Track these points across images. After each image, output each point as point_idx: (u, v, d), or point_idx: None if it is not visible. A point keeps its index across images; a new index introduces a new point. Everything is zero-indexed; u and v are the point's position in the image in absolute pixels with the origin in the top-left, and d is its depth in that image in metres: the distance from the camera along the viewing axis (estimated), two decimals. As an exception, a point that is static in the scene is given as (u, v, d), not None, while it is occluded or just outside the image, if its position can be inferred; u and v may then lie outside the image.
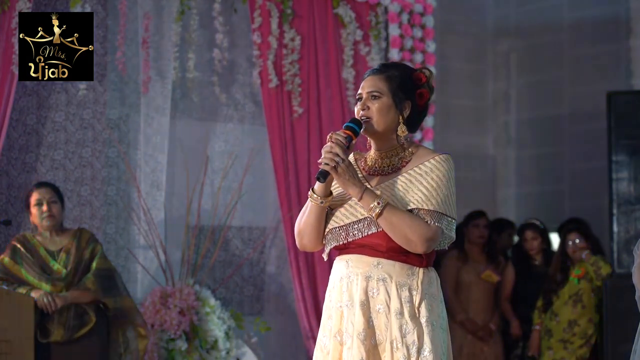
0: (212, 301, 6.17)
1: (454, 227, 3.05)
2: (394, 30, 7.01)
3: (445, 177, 3.00)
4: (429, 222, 2.96)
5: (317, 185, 3.04)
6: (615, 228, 6.45)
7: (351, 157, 3.17)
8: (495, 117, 8.51)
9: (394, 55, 7.00)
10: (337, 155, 2.96)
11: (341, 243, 3.07)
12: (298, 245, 3.18)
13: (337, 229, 3.07)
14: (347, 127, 3.03)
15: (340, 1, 6.79)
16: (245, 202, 6.64)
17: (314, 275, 6.62)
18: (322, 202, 3.04)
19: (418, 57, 7.11)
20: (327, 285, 6.97)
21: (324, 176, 2.98)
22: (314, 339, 6.50)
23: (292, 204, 6.56)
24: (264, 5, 6.56)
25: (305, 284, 6.55)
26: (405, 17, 7.07)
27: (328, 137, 3.02)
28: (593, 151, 7.67)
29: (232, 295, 6.67)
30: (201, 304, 6.11)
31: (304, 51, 6.69)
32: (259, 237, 6.77)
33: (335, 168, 2.96)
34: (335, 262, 3.15)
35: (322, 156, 2.99)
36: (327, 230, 3.09)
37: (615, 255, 6.43)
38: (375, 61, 6.87)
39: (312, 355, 3.16)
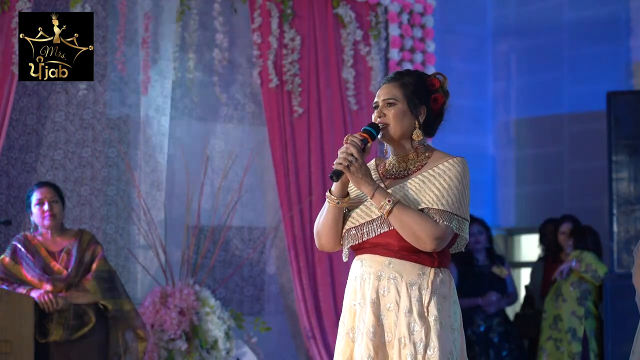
0: (212, 301, 6.17)
1: (467, 228, 3.10)
2: (394, 30, 7.01)
3: (457, 178, 3.06)
4: (438, 221, 3.01)
5: (334, 186, 3.12)
6: (615, 228, 6.45)
7: (373, 162, 3.27)
8: (495, 117, 8.51)
9: (394, 55, 7.00)
10: (351, 155, 3.03)
11: (356, 243, 3.14)
12: (317, 246, 3.25)
13: (353, 229, 3.14)
14: (364, 130, 3.11)
15: (340, 1, 6.79)
16: (245, 202, 6.64)
17: (314, 275, 6.62)
18: (338, 203, 3.12)
19: (418, 57, 7.12)
20: (327, 286, 7.00)
21: (337, 175, 3.05)
22: (314, 339, 6.52)
23: (292, 204, 6.56)
24: (264, 5, 6.56)
25: (305, 284, 6.55)
26: (405, 17, 7.08)
27: (344, 139, 3.09)
28: (593, 151, 7.67)
29: (232, 295, 6.67)
30: (201, 304, 6.11)
31: (304, 51, 6.69)
32: (259, 237, 6.77)
33: (348, 167, 3.03)
34: (352, 262, 3.22)
35: (338, 157, 3.06)
36: (344, 231, 3.16)
37: (615, 255, 6.43)
38: (375, 61, 6.87)
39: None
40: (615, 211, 6.47)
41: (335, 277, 6.67)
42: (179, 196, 6.43)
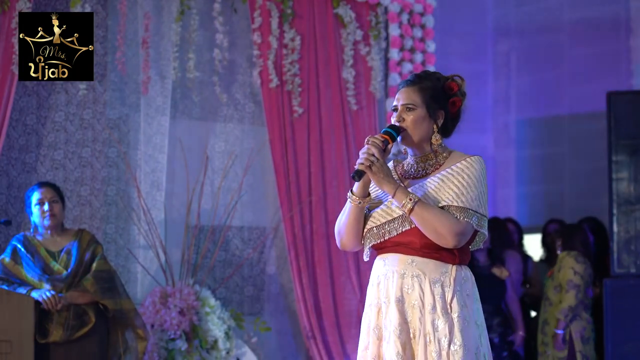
0: (212, 301, 6.17)
1: (486, 225, 3.17)
2: (394, 30, 7.01)
3: (475, 176, 3.14)
4: (458, 217, 3.08)
5: (355, 186, 3.18)
6: (615, 228, 6.44)
7: (391, 163, 3.32)
8: (495, 117, 8.51)
9: (394, 55, 7.00)
10: (373, 155, 3.10)
11: (378, 242, 3.20)
12: (338, 245, 3.30)
13: (374, 228, 3.20)
14: (385, 132, 3.17)
15: (340, 1, 6.79)
16: (245, 202, 6.64)
17: (314, 275, 6.62)
18: (360, 203, 3.18)
19: (418, 57, 7.12)
20: (327, 286, 6.98)
21: (359, 175, 3.11)
22: (314, 339, 6.51)
23: (292, 204, 6.56)
24: (264, 5, 6.56)
25: (305, 284, 6.55)
26: (405, 17, 7.08)
27: (365, 140, 3.15)
28: (593, 151, 7.67)
29: (232, 295, 6.67)
30: (201, 304, 6.11)
31: (304, 51, 6.69)
32: (259, 237, 6.77)
33: (370, 167, 3.09)
34: (375, 261, 3.27)
35: (359, 157, 3.12)
36: (365, 230, 3.22)
37: (615, 255, 6.42)
38: (375, 61, 6.87)
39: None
40: (615, 211, 6.46)
41: (335, 277, 6.67)
42: (179, 196, 6.43)
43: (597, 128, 7.33)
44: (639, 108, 6.47)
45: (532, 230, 8.01)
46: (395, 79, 6.99)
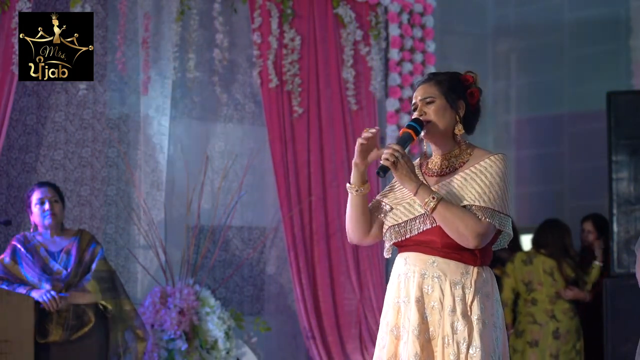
0: (212, 301, 6.17)
1: (509, 224, 3.14)
2: (394, 30, 7.01)
3: (499, 175, 3.11)
4: (480, 217, 3.06)
5: (352, 175, 3.17)
6: (615, 228, 6.45)
7: (416, 162, 3.30)
8: (495, 117, 8.51)
9: (394, 55, 7.00)
10: (397, 150, 3.06)
11: (399, 240, 3.18)
12: (348, 239, 3.30)
13: (396, 226, 3.18)
14: (409, 126, 3.14)
15: (340, 1, 6.79)
16: (245, 202, 6.64)
17: (314, 275, 6.62)
18: (357, 191, 3.17)
19: (418, 57, 7.12)
20: (327, 286, 6.98)
21: (383, 171, 3.08)
22: (314, 339, 6.52)
23: (292, 204, 6.56)
24: (264, 5, 6.56)
25: (305, 284, 6.55)
26: (405, 17, 7.08)
27: None
28: (593, 151, 7.67)
29: (232, 295, 6.67)
30: (201, 304, 6.11)
31: (304, 51, 6.69)
32: (259, 237, 6.77)
33: (394, 163, 3.06)
34: (396, 259, 3.26)
35: (383, 152, 3.10)
36: (386, 227, 3.21)
37: (615, 255, 6.43)
38: (375, 61, 6.88)
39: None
40: (615, 211, 6.46)
41: (335, 277, 6.67)
42: (179, 196, 6.43)
43: (597, 128, 7.33)
44: (639, 108, 6.47)
45: (531, 231, 8.01)
46: (395, 79, 6.99)
